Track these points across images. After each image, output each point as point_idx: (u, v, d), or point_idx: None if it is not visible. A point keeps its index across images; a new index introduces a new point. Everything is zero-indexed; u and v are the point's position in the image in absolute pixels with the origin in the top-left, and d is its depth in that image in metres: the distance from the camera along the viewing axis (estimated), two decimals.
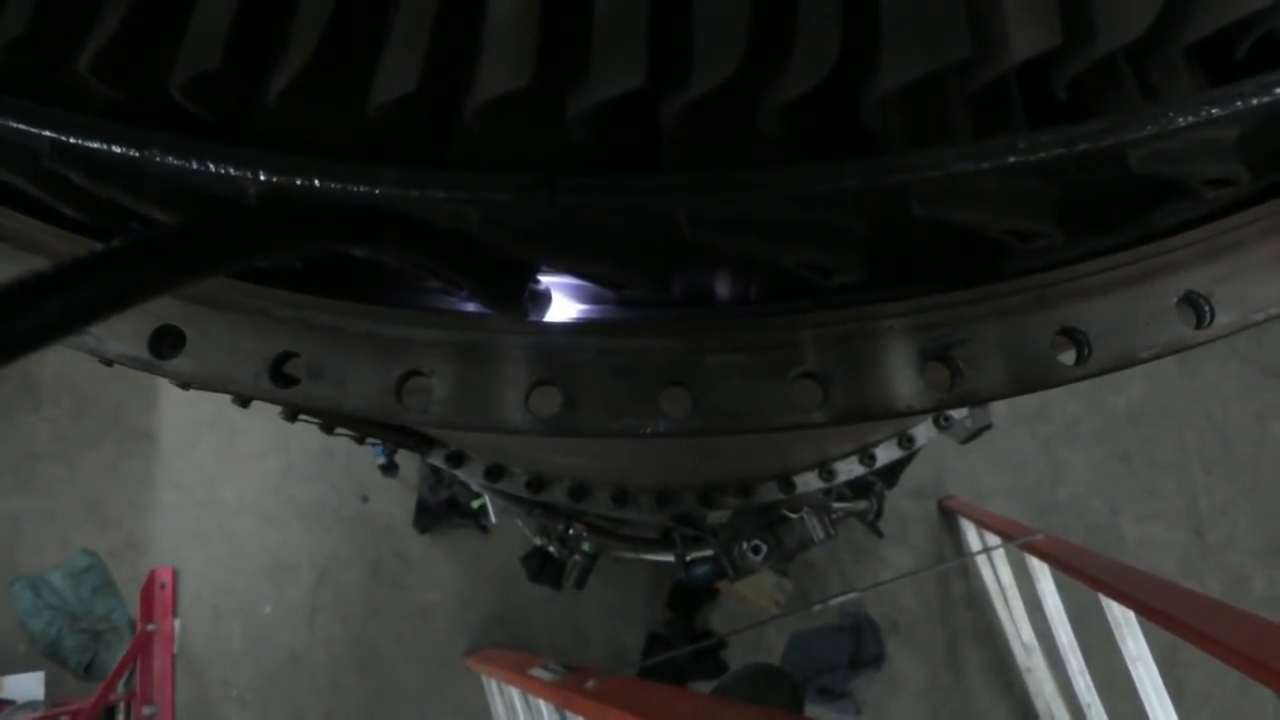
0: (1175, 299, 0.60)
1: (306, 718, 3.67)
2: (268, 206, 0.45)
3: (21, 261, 0.60)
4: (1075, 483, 3.73)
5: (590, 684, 2.37)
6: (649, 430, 0.56)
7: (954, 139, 0.50)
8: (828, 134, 0.49)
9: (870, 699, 3.53)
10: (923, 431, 1.70)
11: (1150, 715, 2.55)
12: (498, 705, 3.32)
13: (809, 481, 1.70)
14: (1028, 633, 3.31)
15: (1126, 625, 2.51)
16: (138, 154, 0.47)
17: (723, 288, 0.60)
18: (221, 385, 0.58)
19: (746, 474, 1.66)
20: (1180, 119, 0.47)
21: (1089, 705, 3.02)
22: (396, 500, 3.83)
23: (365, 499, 3.87)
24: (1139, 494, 3.71)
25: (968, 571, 3.58)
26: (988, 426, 1.91)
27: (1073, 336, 0.59)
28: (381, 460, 3.38)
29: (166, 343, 0.59)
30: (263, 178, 0.46)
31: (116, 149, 0.47)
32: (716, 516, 2.05)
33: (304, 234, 0.46)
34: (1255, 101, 0.48)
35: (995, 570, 3.38)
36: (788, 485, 1.68)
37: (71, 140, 0.47)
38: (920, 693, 3.55)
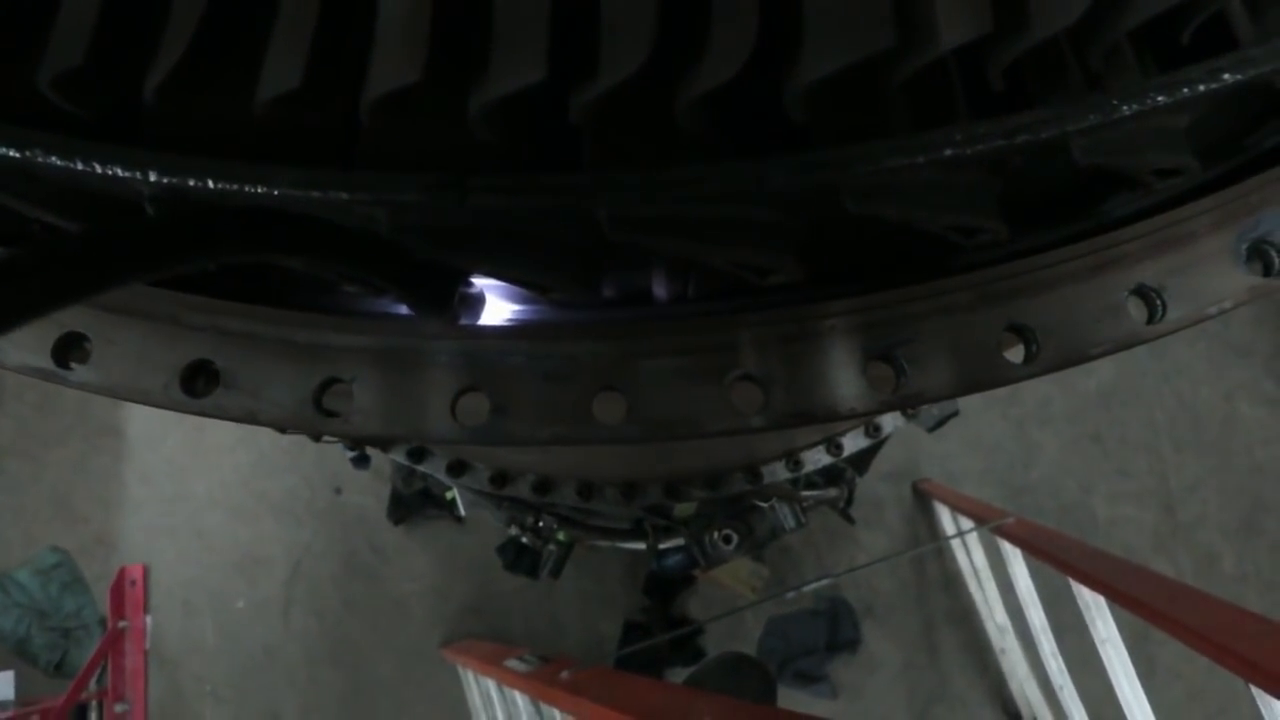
0: (1126, 293, 0.58)
1: (282, 712, 3.64)
2: (160, 218, 0.42)
3: None
4: (1048, 464, 3.75)
5: (564, 675, 2.36)
6: (581, 439, 0.54)
7: (892, 133, 0.47)
8: (757, 130, 0.46)
9: (846, 682, 3.54)
10: (889, 420, 1.68)
11: (1120, 697, 2.56)
12: (474, 697, 3.31)
13: (776, 471, 1.68)
14: (1001, 615, 3.32)
15: (1096, 608, 2.52)
16: (17, 154, 0.43)
17: (658, 288, 0.57)
18: (129, 395, 0.55)
19: (712, 466, 1.64)
20: (1125, 107, 0.45)
21: (1061, 687, 3.04)
22: (370, 492, 3.79)
23: (338, 491, 3.82)
24: (1110, 474, 3.73)
25: (942, 554, 3.59)
26: (954, 414, 1.90)
27: (1021, 333, 0.57)
28: (353, 453, 3.34)
29: (71, 351, 0.56)
30: (153, 178, 0.43)
31: None
32: (685, 507, 2.03)
33: (201, 244, 0.43)
34: (1203, 88, 0.46)
35: (969, 553, 3.38)
36: (754, 476, 1.66)
37: None
38: (896, 675, 3.56)
